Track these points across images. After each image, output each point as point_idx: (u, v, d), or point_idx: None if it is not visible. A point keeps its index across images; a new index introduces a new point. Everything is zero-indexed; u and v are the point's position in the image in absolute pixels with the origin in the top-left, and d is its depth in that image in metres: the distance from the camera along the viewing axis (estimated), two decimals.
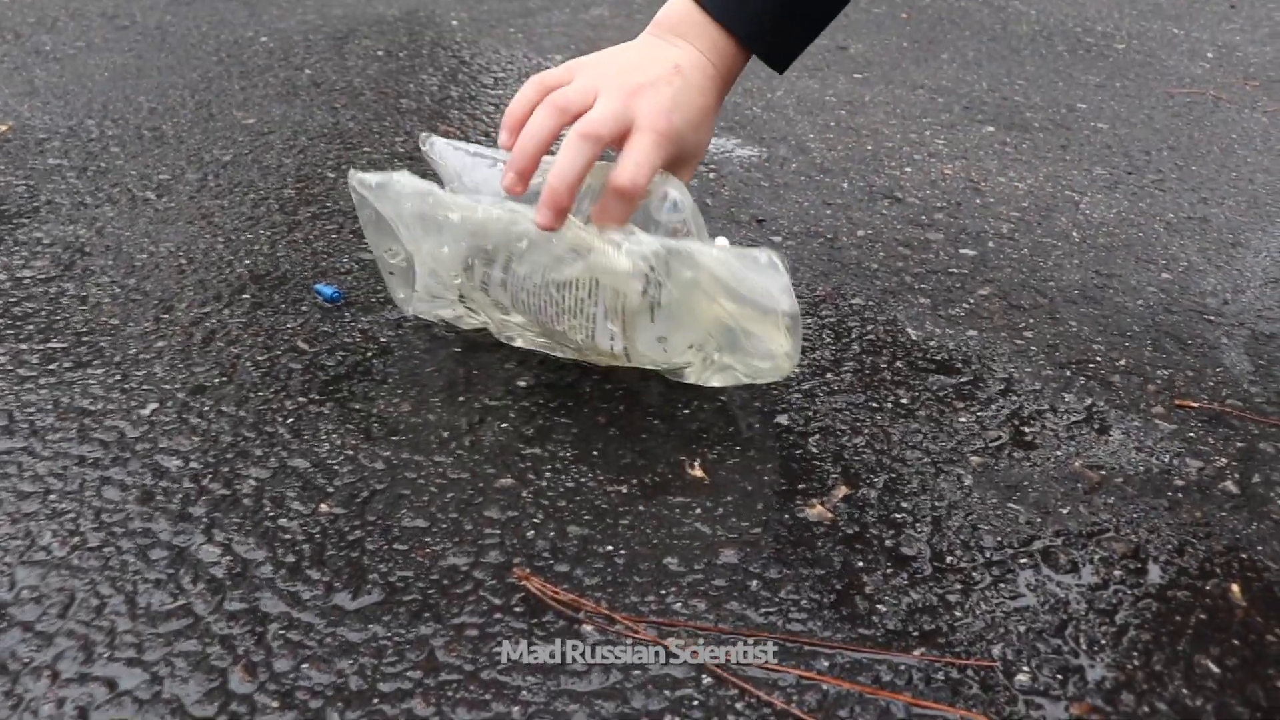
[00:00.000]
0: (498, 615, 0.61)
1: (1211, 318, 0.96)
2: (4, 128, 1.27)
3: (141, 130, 1.27)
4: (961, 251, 1.05)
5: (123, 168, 1.17)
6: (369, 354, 0.84)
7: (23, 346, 0.84)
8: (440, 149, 0.80)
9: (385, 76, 1.49)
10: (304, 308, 0.90)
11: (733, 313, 0.73)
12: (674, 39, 0.78)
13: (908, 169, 1.25)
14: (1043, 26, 1.95)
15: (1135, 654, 0.61)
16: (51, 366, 0.82)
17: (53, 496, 0.69)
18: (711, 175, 1.20)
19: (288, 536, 0.66)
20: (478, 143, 1.18)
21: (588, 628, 0.61)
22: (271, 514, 0.68)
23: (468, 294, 0.81)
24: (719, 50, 0.78)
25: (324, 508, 0.69)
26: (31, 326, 0.87)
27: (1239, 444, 0.79)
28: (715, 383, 0.79)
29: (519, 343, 0.83)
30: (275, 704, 0.56)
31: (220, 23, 1.72)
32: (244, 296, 0.92)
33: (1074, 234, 1.11)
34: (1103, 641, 0.61)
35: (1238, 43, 1.91)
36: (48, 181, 1.13)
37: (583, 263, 0.73)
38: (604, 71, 0.76)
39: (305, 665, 0.58)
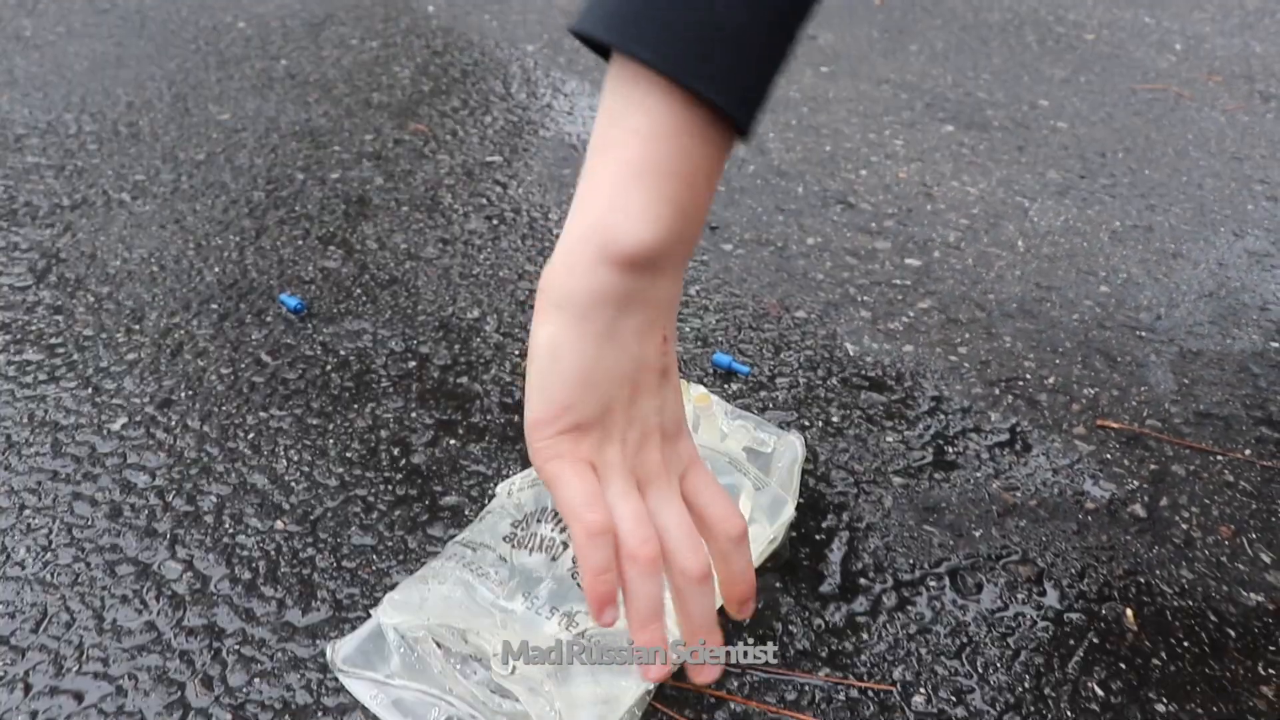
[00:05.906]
0: None
1: (1143, 333, 1.01)
2: None
3: (119, 126, 1.30)
4: (907, 261, 1.09)
5: (99, 167, 1.20)
6: (328, 367, 0.88)
7: None
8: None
9: (358, 68, 1.51)
10: (268, 318, 0.94)
11: None
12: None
13: (863, 172, 1.29)
14: (1014, 14, 1.97)
15: (1026, 677, 0.66)
16: (26, 379, 0.86)
17: (27, 512, 0.74)
18: None
19: (245, 553, 0.71)
20: (448, 140, 1.21)
21: None
22: (231, 530, 0.73)
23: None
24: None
25: (279, 525, 0.73)
26: (8, 336, 0.91)
27: (1153, 466, 0.84)
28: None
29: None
30: (229, 717, 0.61)
31: (200, 7, 1.74)
32: (212, 306, 0.96)
33: (1019, 243, 1.15)
34: (997, 664, 0.66)
35: (1207, 33, 1.94)
36: (25, 181, 1.16)
37: None
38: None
39: (257, 680, 0.63)
